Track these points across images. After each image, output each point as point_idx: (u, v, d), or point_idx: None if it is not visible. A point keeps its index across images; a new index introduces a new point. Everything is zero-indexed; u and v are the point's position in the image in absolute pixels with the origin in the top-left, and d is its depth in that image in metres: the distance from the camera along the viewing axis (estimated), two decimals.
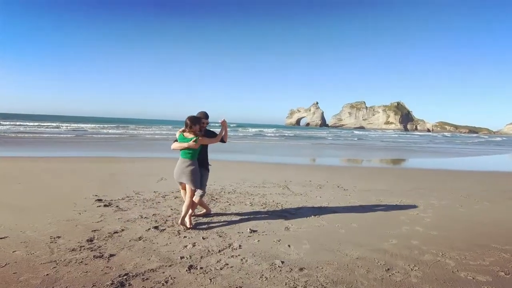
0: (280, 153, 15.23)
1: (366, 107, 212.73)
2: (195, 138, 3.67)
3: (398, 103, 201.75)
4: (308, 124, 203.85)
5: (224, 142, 4.08)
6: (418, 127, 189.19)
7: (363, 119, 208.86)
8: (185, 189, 3.90)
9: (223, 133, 4.02)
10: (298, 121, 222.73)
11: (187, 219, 3.72)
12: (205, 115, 3.94)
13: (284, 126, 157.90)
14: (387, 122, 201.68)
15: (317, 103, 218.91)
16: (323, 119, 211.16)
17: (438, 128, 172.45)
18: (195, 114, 3.90)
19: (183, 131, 3.78)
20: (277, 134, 37.14)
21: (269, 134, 36.02)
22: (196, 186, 3.73)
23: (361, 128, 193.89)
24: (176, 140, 3.84)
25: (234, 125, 60.62)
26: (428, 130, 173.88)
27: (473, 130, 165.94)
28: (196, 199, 3.76)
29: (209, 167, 4.06)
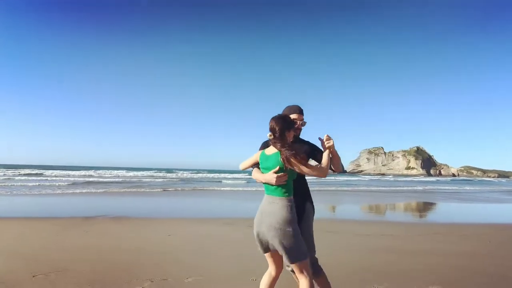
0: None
1: (385, 153, 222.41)
2: (279, 166, 2.03)
3: (418, 148, 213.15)
4: None
5: (334, 171, 2.51)
6: (442, 172, 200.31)
7: (382, 165, 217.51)
8: (275, 258, 2.18)
9: (331, 156, 2.36)
10: None
11: None
12: (298, 109, 2.39)
13: None
14: (408, 167, 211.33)
15: None
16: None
17: (464, 173, 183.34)
18: None
19: (265, 145, 2.28)
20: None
21: None
22: (295, 258, 2.04)
23: (382, 174, 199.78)
24: (256, 165, 2.18)
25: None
26: (453, 175, 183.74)
27: (503, 175, 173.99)
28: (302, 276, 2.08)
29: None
